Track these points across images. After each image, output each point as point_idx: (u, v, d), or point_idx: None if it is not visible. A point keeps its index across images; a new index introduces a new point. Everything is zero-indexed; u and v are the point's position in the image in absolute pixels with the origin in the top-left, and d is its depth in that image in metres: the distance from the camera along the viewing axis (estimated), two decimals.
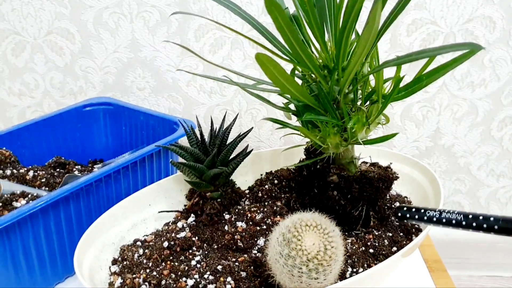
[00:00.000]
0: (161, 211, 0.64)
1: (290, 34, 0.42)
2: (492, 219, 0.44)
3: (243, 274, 0.51)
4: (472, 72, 0.90)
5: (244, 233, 0.58)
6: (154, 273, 0.54)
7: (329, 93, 0.51)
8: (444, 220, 0.49)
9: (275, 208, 0.63)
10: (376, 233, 0.58)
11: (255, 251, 0.56)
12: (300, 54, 0.46)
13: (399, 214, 0.58)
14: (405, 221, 0.57)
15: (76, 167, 0.80)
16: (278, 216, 0.60)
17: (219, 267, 0.52)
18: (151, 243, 0.59)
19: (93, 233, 0.56)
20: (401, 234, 0.59)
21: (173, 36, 0.90)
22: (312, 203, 0.63)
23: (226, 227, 0.60)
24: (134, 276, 0.53)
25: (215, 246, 0.58)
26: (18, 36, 0.92)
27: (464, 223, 0.47)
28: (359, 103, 0.53)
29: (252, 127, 0.67)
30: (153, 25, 0.90)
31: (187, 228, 0.60)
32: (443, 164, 0.99)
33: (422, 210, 0.54)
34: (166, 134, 0.73)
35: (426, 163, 0.99)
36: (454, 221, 0.48)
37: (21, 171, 0.72)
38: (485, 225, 0.45)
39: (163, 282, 0.52)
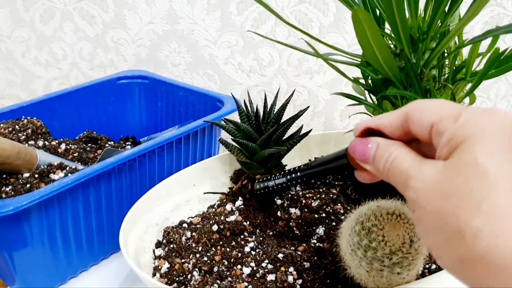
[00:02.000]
0: (206, 192, 0.59)
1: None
2: (301, 167, 0.44)
3: (307, 264, 0.46)
4: None
5: (299, 220, 0.53)
6: (205, 258, 0.48)
7: (415, 66, 0.45)
8: (289, 183, 0.47)
9: (331, 195, 0.57)
10: None
11: (315, 241, 0.51)
12: (395, 17, 0.40)
13: (256, 187, 0.52)
14: (263, 191, 0.52)
15: (109, 143, 0.75)
16: (338, 204, 0.55)
17: (280, 256, 0.47)
18: (198, 226, 0.53)
19: (137, 213, 0.51)
20: None
21: (214, 8, 0.84)
22: (372, 191, 0.57)
23: (278, 213, 0.54)
24: (183, 261, 0.48)
25: (270, 233, 0.53)
26: (48, 2, 0.87)
27: (289, 183, 0.47)
28: (446, 80, 0.47)
29: (309, 106, 0.61)
30: None
31: (237, 211, 0.55)
32: None
33: (271, 180, 0.50)
34: (207, 112, 0.68)
35: None
36: (290, 182, 0.47)
37: (52, 143, 0.66)
38: (297, 178, 0.45)
39: (215, 268, 0.47)
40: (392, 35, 0.43)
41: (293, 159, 0.67)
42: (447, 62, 0.48)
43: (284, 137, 0.58)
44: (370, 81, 0.49)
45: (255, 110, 0.56)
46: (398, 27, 0.41)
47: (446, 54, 0.46)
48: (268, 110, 0.57)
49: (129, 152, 0.53)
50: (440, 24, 0.44)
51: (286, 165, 0.61)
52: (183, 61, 0.89)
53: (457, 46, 0.46)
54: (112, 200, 0.55)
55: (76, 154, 0.67)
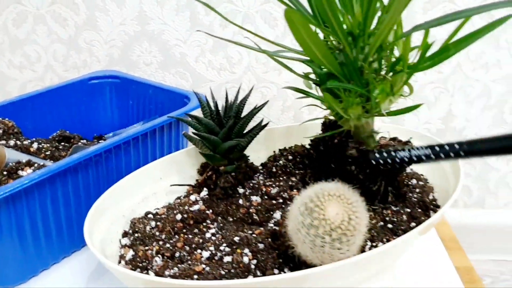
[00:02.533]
0: (173, 185, 0.62)
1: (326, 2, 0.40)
2: (456, 146, 0.42)
3: (261, 246, 0.50)
4: (486, 53, 0.88)
5: (259, 207, 0.56)
6: (168, 245, 0.52)
7: (355, 60, 0.49)
8: (415, 158, 0.47)
9: (290, 183, 0.61)
10: (394, 209, 0.56)
11: (272, 225, 0.55)
12: (331, 19, 0.43)
13: (374, 158, 0.53)
14: (381, 165, 0.52)
15: (82, 141, 0.78)
16: (294, 190, 0.58)
17: (236, 239, 0.50)
18: (163, 216, 0.57)
19: (103, 205, 0.54)
20: (420, 210, 0.57)
21: (183, 9, 0.87)
22: (329, 178, 0.61)
23: (240, 201, 0.58)
24: (146, 248, 0.52)
25: (230, 219, 0.56)
26: (20, 6, 0.89)
27: (433, 156, 0.45)
28: (383, 72, 0.51)
29: (267, 101, 0.65)
30: None
31: (201, 201, 0.58)
32: None
33: (393, 153, 0.50)
34: (175, 109, 0.71)
35: None
36: (424, 157, 0.46)
37: (24, 142, 0.69)
38: (452, 153, 0.43)
39: (177, 254, 0.50)
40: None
41: (258, 151, 0.70)
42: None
43: (245, 131, 0.62)
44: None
45: (216, 106, 0.60)
46: (334, 26, 0.45)
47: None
48: (229, 105, 0.61)
49: (93, 148, 0.56)
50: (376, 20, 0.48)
51: (249, 156, 0.64)
52: (155, 60, 0.93)
53: (398, 36, 0.49)
54: (80, 194, 0.58)
55: (48, 153, 0.70)
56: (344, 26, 0.50)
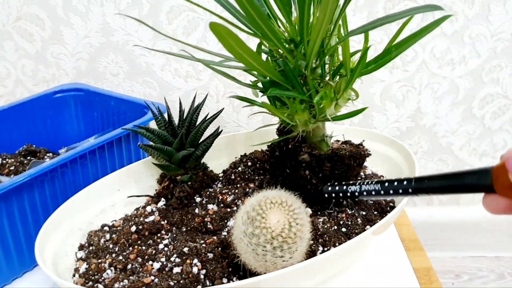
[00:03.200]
0: (131, 196, 0.63)
1: (251, 8, 0.40)
2: (405, 182, 0.43)
3: (210, 255, 0.50)
4: (452, 49, 0.89)
5: (214, 215, 0.57)
6: (120, 257, 0.52)
7: (295, 68, 0.49)
8: (365, 193, 0.48)
9: (247, 189, 0.61)
10: (350, 212, 0.56)
11: (225, 233, 0.55)
12: (263, 28, 0.44)
13: (327, 191, 0.54)
14: (333, 197, 0.54)
15: (48, 154, 0.78)
16: (249, 197, 0.59)
17: (186, 249, 0.50)
18: (118, 228, 0.57)
19: (58, 219, 0.54)
20: (375, 212, 0.58)
21: (145, 19, 0.88)
22: (285, 183, 0.61)
23: (196, 210, 0.58)
24: (99, 261, 0.52)
25: (184, 229, 0.56)
26: None
27: (382, 191, 0.46)
28: (327, 78, 0.51)
29: (223, 108, 0.65)
30: (124, 8, 0.87)
31: (156, 212, 0.59)
32: (424, 145, 0.97)
33: (345, 186, 0.51)
34: (136, 119, 0.71)
35: (408, 143, 0.97)
36: (373, 192, 0.47)
37: None
38: (400, 190, 0.44)
39: (129, 266, 0.51)
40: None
41: (220, 158, 0.71)
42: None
43: (201, 139, 0.62)
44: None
45: (169, 116, 0.60)
46: (271, 37, 0.45)
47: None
48: (183, 115, 0.61)
49: (48, 163, 0.56)
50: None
51: (206, 163, 0.65)
52: (121, 71, 0.93)
53: (336, 43, 0.50)
54: (38, 209, 0.58)
55: (12, 168, 0.71)
56: (286, 34, 0.51)
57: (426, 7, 0.35)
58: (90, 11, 0.88)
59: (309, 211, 0.57)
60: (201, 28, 0.88)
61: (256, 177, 0.65)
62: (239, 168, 0.66)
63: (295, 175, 0.58)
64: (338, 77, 0.54)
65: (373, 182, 0.48)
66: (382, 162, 0.67)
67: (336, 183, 0.53)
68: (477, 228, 1.03)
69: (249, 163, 0.67)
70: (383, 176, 0.66)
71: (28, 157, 0.76)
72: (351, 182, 0.51)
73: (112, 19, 0.88)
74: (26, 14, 0.89)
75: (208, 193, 0.60)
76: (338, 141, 0.61)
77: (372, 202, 0.59)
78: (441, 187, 0.39)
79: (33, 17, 0.89)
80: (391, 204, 0.61)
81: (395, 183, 0.45)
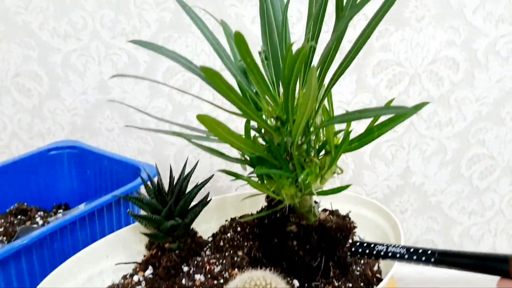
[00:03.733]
0: (118, 263, 0.63)
1: (234, 96, 0.42)
2: (429, 252, 0.47)
3: None
4: (438, 112, 0.91)
5: (201, 287, 0.57)
6: None
7: (281, 145, 0.51)
8: (390, 254, 0.51)
9: (235, 258, 0.61)
10: (336, 284, 0.57)
11: None
12: (247, 111, 0.46)
13: (353, 250, 0.58)
14: (359, 256, 0.57)
15: (39, 213, 0.79)
16: (236, 269, 0.59)
17: None
18: None
19: None
20: (362, 284, 0.58)
21: (141, 80, 0.90)
22: (273, 253, 0.62)
23: (183, 281, 0.58)
24: None
25: None
26: None
27: (406, 256, 0.49)
28: (312, 154, 0.53)
29: (213, 175, 0.66)
30: (121, 67, 0.90)
31: (143, 282, 0.59)
32: (414, 203, 0.98)
33: (372, 245, 0.55)
34: (130, 179, 0.72)
35: (398, 201, 0.98)
36: (398, 255, 0.50)
37: None
38: (423, 258, 0.47)
39: None
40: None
41: (209, 221, 0.71)
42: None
43: (190, 206, 0.63)
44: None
45: (159, 183, 0.61)
46: (255, 118, 0.47)
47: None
48: (174, 182, 0.62)
49: (36, 232, 0.57)
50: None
51: (195, 229, 0.65)
52: (117, 126, 0.95)
53: (319, 125, 0.52)
54: (24, 278, 0.58)
55: (1, 229, 0.71)
56: (273, 112, 0.53)
57: (398, 108, 0.37)
58: (88, 69, 0.91)
59: (296, 283, 0.57)
60: (196, 87, 0.90)
61: (245, 243, 0.66)
62: (228, 234, 0.67)
63: (283, 245, 0.59)
64: (323, 152, 0.55)
65: (400, 246, 0.51)
66: (369, 228, 0.68)
67: (365, 243, 0.56)
68: (469, 285, 1.03)
69: (239, 228, 0.68)
70: None
71: (19, 216, 0.77)
72: (378, 242, 0.55)
73: (109, 76, 0.90)
74: (25, 71, 0.92)
75: (196, 262, 0.61)
76: (326, 210, 0.62)
77: (358, 273, 0.60)
78: (462, 264, 0.43)
79: (32, 74, 0.92)
80: (378, 275, 0.61)
81: (420, 251, 0.48)
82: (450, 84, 0.89)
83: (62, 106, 0.94)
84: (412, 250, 0.49)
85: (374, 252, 0.54)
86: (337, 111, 0.89)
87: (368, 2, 0.39)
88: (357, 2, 0.46)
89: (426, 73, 0.89)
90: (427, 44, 0.87)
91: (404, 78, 0.89)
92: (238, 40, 0.38)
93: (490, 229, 1.00)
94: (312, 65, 0.46)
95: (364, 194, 0.97)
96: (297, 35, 0.85)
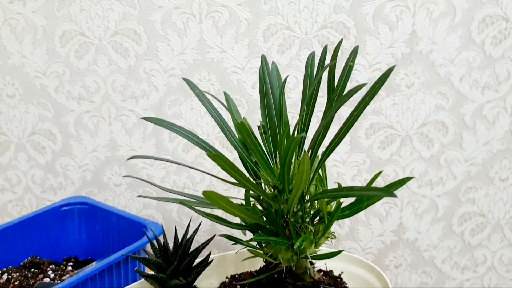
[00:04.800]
0: None
1: (235, 173, 0.47)
2: None
3: None
4: (429, 172, 0.96)
5: None
6: None
7: (278, 213, 0.56)
8: None
9: None
10: None
11: None
12: (247, 185, 0.51)
13: None
14: None
15: (51, 266, 0.83)
16: None
17: None
18: None
19: None
20: None
21: (149, 137, 0.96)
22: None
23: None
24: None
25: None
26: (3, 136, 0.98)
27: None
28: (307, 220, 0.58)
29: (214, 235, 0.71)
30: (130, 127, 0.96)
31: None
32: (408, 258, 1.02)
33: None
34: (136, 235, 0.77)
35: (392, 256, 1.02)
36: None
37: None
38: None
39: None
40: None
41: (210, 277, 0.75)
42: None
43: (194, 264, 0.67)
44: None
45: (165, 244, 0.66)
46: (255, 190, 0.52)
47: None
48: (178, 242, 0.67)
49: None
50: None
51: (196, 286, 0.69)
52: (124, 182, 1.00)
53: (311, 198, 0.57)
54: None
55: (17, 283, 0.75)
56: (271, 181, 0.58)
57: (381, 190, 0.42)
58: (99, 128, 0.97)
59: None
60: (197, 150, 0.96)
61: None
62: None
63: None
64: (318, 218, 0.60)
65: None
66: (360, 286, 0.72)
67: None
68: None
69: (238, 287, 0.72)
70: None
71: (32, 269, 0.81)
72: None
73: (118, 136, 0.96)
74: (40, 130, 0.98)
75: None
76: (321, 271, 0.66)
77: None
78: None
79: (46, 132, 0.98)
80: None
81: None
82: (440, 145, 0.95)
83: (73, 163, 1.00)
84: None
85: None
86: (333, 170, 0.95)
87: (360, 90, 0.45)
88: (343, 94, 0.52)
89: (417, 135, 0.95)
90: (417, 108, 0.93)
91: (396, 140, 0.95)
92: (240, 128, 0.44)
93: (483, 284, 1.03)
94: (303, 150, 0.51)
95: (360, 249, 1.01)
96: (293, 100, 0.92)
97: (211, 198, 0.47)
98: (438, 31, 0.90)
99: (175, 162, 0.57)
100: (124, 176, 0.98)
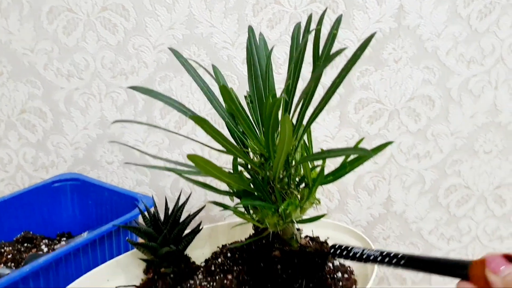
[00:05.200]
0: (118, 286, 0.68)
1: (220, 138, 0.48)
2: (399, 256, 0.52)
3: None
4: (417, 145, 0.98)
5: None
6: None
7: (264, 179, 0.57)
8: (364, 256, 0.56)
9: (225, 281, 0.67)
10: None
11: None
12: (233, 151, 0.52)
13: (332, 251, 0.62)
14: (338, 258, 0.62)
15: (44, 241, 0.84)
16: None
17: None
18: None
19: None
20: None
21: (140, 114, 0.97)
22: (260, 276, 0.67)
23: None
24: None
25: None
26: None
27: (379, 258, 0.54)
28: (292, 187, 0.59)
29: (204, 206, 0.72)
30: (120, 104, 0.97)
31: None
32: (396, 230, 1.04)
33: (350, 248, 0.59)
34: (128, 209, 0.78)
35: (381, 228, 1.04)
36: (372, 257, 0.55)
37: None
38: (394, 261, 0.52)
39: None
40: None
41: (203, 247, 0.77)
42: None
43: (184, 233, 0.69)
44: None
45: (155, 214, 0.67)
46: (241, 157, 0.54)
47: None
48: (169, 213, 0.68)
49: (42, 258, 0.63)
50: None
51: (188, 255, 0.71)
52: (116, 159, 1.01)
53: (296, 162, 0.58)
54: None
55: (10, 256, 0.76)
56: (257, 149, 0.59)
57: (359, 150, 0.44)
58: (89, 106, 0.97)
59: None
60: (189, 125, 0.97)
61: (235, 268, 0.71)
62: (219, 259, 0.72)
63: (268, 269, 0.65)
64: (303, 184, 0.62)
65: (374, 250, 0.56)
66: None
67: (343, 246, 0.61)
68: None
69: (229, 254, 0.73)
70: (349, 267, 0.72)
71: (25, 244, 0.82)
72: (355, 246, 0.60)
73: (109, 113, 0.97)
74: (30, 108, 0.98)
75: (189, 285, 0.66)
76: (307, 237, 0.68)
77: None
78: (428, 268, 0.48)
79: (37, 110, 0.98)
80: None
81: (392, 254, 0.53)
82: (427, 119, 0.96)
83: (65, 141, 1.00)
84: (384, 253, 0.54)
85: (351, 254, 0.58)
86: (322, 145, 0.96)
87: (341, 53, 0.46)
88: (330, 54, 0.53)
89: (404, 109, 0.96)
90: (404, 82, 0.95)
91: (384, 114, 0.96)
92: (224, 93, 0.45)
93: (467, 253, 1.06)
94: (286, 113, 0.53)
95: (349, 221, 1.03)
96: (283, 75, 0.93)
97: (196, 163, 0.48)
98: (425, 5, 0.91)
99: (154, 126, 0.57)
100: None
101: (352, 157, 0.59)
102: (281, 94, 0.46)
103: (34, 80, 0.97)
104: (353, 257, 0.58)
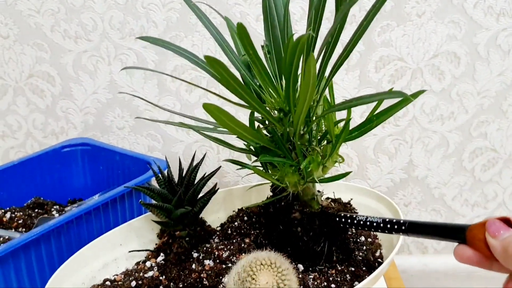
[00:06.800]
0: (131, 251, 0.66)
1: (236, 85, 0.44)
2: (401, 222, 0.52)
3: None
4: (440, 106, 0.93)
5: (210, 272, 0.60)
6: None
7: (283, 135, 0.53)
8: (368, 223, 0.56)
9: (242, 245, 0.64)
10: (339, 268, 0.59)
11: None
12: (250, 102, 0.48)
13: (337, 220, 0.59)
14: (345, 226, 0.60)
15: (55, 207, 0.82)
16: (243, 254, 0.62)
17: None
18: (119, 283, 0.60)
19: (63, 274, 0.58)
20: (364, 268, 0.60)
21: (150, 77, 0.93)
22: (278, 239, 0.64)
23: (193, 266, 0.61)
24: None
25: (181, 285, 0.59)
26: (1, 80, 0.96)
27: (382, 225, 0.54)
28: (314, 143, 0.55)
29: (220, 166, 0.69)
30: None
31: (156, 267, 0.62)
32: (418, 196, 1.00)
33: (354, 216, 0.58)
34: (141, 173, 0.75)
35: (402, 194, 1.01)
36: (375, 223, 0.55)
37: None
38: (396, 227, 0.52)
39: None
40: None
41: (217, 212, 0.74)
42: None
43: (199, 196, 0.66)
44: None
45: (169, 174, 0.64)
46: (258, 109, 0.50)
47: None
48: (183, 173, 0.65)
49: (54, 220, 0.60)
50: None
51: (203, 218, 0.68)
52: (127, 125, 0.98)
53: (320, 115, 0.54)
54: (44, 265, 0.62)
55: (21, 221, 0.74)
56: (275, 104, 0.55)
57: (395, 93, 0.39)
58: (98, 69, 0.94)
59: (301, 267, 0.60)
60: (203, 85, 0.93)
61: (252, 232, 0.68)
62: (236, 223, 0.69)
63: (288, 231, 0.62)
64: (325, 141, 0.58)
65: (377, 217, 0.56)
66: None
67: (348, 214, 0.59)
68: (471, 276, 1.04)
69: (245, 218, 0.71)
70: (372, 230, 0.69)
71: (36, 210, 0.80)
72: (359, 214, 0.59)
73: (119, 77, 0.94)
74: (38, 72, 0.95)
75: (205, 248, 0.64)
76: (329, 198, 0.65)
77: (361, 258, 0.62)
78: (428, 233, 0.48)
79: (45, 75, 0.95)
80: (379, 260, 0.63)
81: (394, 221, 0.53)
82: (451, 78, 0.91)
83: (74, 106, 0.97)
84: (387, 220, 0.54)
85: (355, 222, 0.57)
86: None
87: None
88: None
89: (427, 68, 0.91)
90: (428, 38, 0.89)
91: (406, 73, 0.91)
92: (240, 32, 0.41)
93: None
94: (311, 53, 0.48)
95: (369, 187, 0.99)
96: (300, 32, 0.88)
97: (211, 111, 0.44)
98: None
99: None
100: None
101: (378, 110, 0.55)
102: (306, 31, 0.42)
103: (41, 43, 0.93)
104: (358, 225, 0.57)
